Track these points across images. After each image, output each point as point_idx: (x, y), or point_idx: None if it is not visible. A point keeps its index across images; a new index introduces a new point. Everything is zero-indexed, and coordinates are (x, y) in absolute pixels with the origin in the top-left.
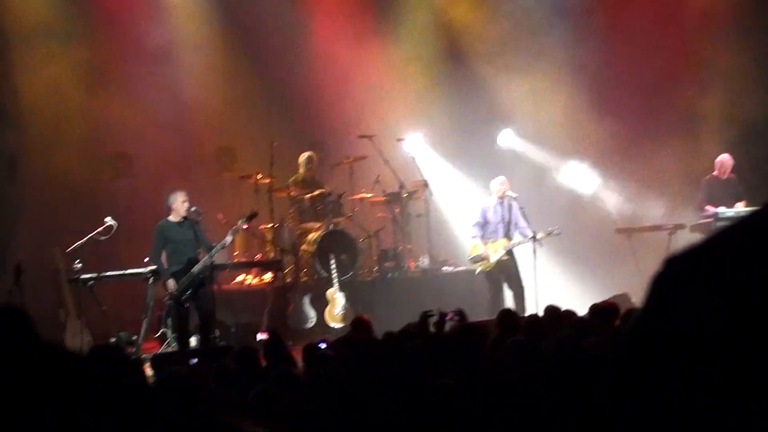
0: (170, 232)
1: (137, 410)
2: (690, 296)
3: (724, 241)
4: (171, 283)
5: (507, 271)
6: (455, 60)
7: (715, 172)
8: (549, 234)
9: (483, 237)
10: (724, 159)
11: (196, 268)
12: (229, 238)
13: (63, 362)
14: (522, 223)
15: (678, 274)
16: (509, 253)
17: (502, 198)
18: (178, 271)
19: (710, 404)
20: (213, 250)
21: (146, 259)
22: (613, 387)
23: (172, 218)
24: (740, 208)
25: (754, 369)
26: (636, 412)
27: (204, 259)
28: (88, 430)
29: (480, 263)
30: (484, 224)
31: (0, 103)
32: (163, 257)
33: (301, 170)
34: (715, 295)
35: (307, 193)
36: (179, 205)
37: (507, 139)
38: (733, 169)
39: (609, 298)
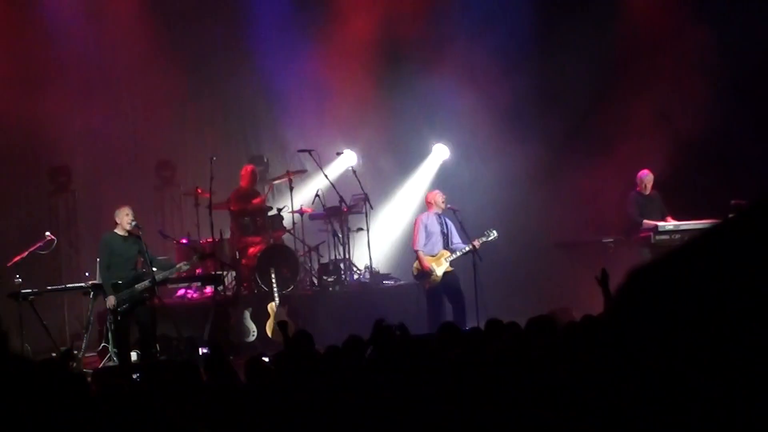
0: (114, 245)
1: (82, 423)
2: (655, 308)
3: (685, 255)
4: (111, 300)
5: (449, 283)
6: (394, 71)
7: (638, 188)
8: (486, 238)
9: (424, 248)
10: (645, 174)
11: (139, 286)
12: (184, 266)
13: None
14: (456, 237)
15: (642, 287)
16: (452, 264)
17: (438, 210)
18: (118, 284)
19: (684, 412)
20: (159, 275)
21: (87, 273)
22: (585, 402)
23: (118, 231)
24: (677, 223)
25: (723, 376)
26: (609, 423)
27: (147, 280)
28: None
29: (426, 278)
30: (425, 237)
31: None
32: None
33: (242, 184)
34: (679, 307)
35: (248, 209)
36: (122, 218)
37: (440, 153)
38: (655, 185)
39: (550, 311)
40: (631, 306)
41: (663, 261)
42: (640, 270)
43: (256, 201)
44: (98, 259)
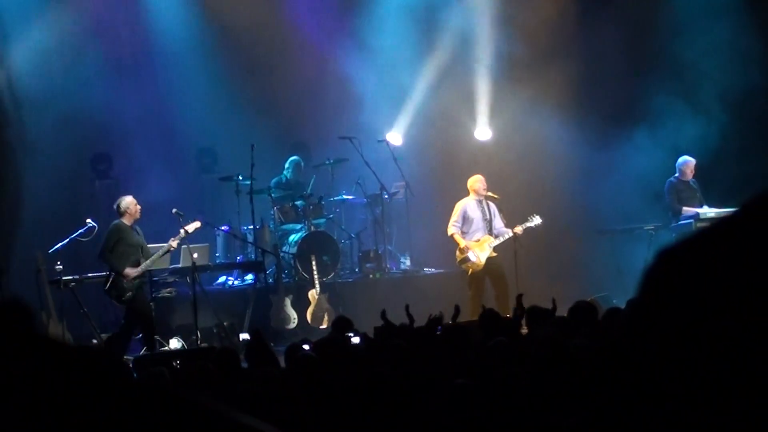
0: (125, 235)
1: (125, 408)
2: (683, 289)
3: (716, 234)
4: (132, 272)
5: (492, 269)
6: (433, 55)
7: (678, 174)
8: (529, 224)
9: (465, 236)
10: (689, 161)
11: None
12: (173, 243)
13: (64, 358)
14: (498, 223)
15: (671, 267)
16: (495, 250)
17: (479, 196)
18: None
19: (705, 400)
20: (154, 256)
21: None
22: (606, 384)
23: (126, 221)
24: (719, 210)
25: (746, 363)
26: (628, 409)
27: (145, 263)
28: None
29: (469, 264)
30: (464, 223)
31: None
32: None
33: (287, 174)
34: (709, 288)
35: (290, 196)
36: (134, 208)
37: (482, 134)
38: (695, 172)
39: (590, 299)
40: (657, 288)
41: (691, 241)
42: (668, 250)
43: (299, 190)
44: (104, 244)
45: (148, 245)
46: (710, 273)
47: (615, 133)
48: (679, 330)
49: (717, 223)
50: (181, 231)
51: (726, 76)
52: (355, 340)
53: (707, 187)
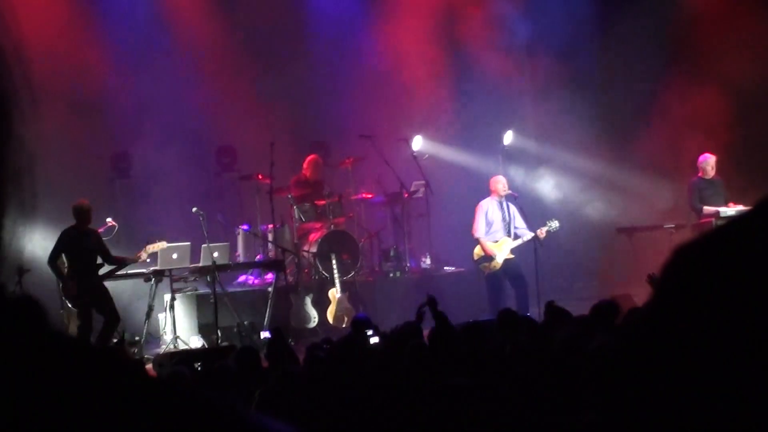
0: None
1: (142, 408)
2: (699, 287)
3: (735, 231)
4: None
5: (511, 270)
6: (457, 58)
7: (700, 173)
8: (549, 229)
9: (486, 236)
10: (706, 158)
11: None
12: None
13: (75, 354)
14: (519, 223)
15: (689, 264)
16: (513, 251)
17: (500, 197)
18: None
19: (720, 399)
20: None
21: (148, 260)
22: (618, 382)
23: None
24: (740, 208)
25: (762, 363)
26: (639, 407)
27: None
28: (94, 426)
29: (487, 264)
30: (486, 224)
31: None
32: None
33: (306, 172)
34: (726, 286)
35: (309, 195)
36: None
37: (508, 139)
38: (718, 170)
39: (611, 298)
40: (674, 285)
41: (709, 238)
42: (685, 247)
43: (319, 189)
44: (104, 246)
45: (173, 243)
46: (726, 271)
47: (635, 131)
48: (695, 328)
49: (734, 220)
50: (147, 248)
51: (751, 69)
52: (374, 339)
53: (734, 185)
